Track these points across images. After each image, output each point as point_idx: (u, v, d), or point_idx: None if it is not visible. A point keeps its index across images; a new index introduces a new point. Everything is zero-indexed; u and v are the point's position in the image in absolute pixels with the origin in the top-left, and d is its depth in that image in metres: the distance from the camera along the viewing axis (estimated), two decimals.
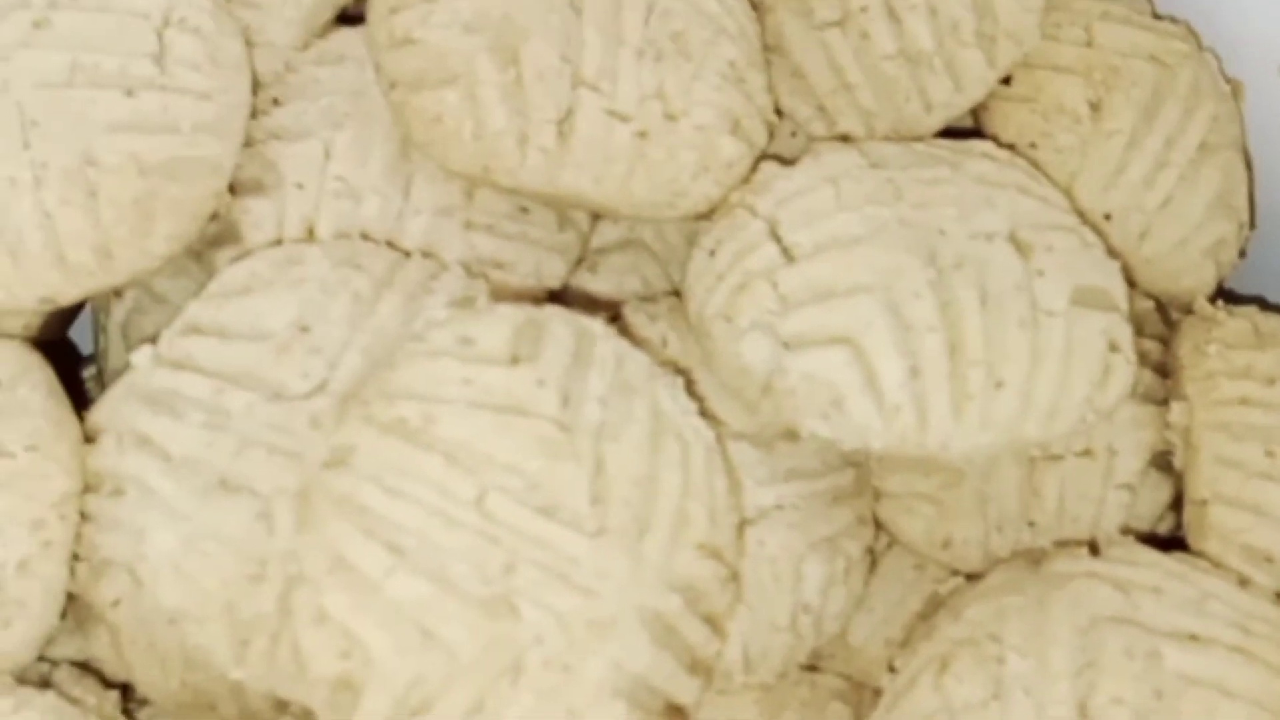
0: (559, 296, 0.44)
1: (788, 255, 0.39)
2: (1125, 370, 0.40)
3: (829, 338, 0.38)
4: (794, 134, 0.45)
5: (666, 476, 0.35)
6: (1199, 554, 0.41)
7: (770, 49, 0.44)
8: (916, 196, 0.40)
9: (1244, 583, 0.40)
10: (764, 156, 0.43)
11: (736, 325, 0.39)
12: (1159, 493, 0.43)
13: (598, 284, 0.45)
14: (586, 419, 0.34)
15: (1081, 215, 0.43)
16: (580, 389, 0.35)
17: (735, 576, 0.36)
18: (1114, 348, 0.40)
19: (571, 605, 0.33)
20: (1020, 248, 0.39)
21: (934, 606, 0.43)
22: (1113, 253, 0.42)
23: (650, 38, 0.40)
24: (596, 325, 0.36)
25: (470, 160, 0.40)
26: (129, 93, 0.41)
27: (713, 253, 0.41)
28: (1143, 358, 0.44)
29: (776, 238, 0.40)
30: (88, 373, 0.49)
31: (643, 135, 0.40)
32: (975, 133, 0.45)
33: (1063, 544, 0.41)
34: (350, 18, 0.46)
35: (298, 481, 0.35)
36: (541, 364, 0.35)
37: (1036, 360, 0.38)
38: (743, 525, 0.39)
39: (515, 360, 0.34)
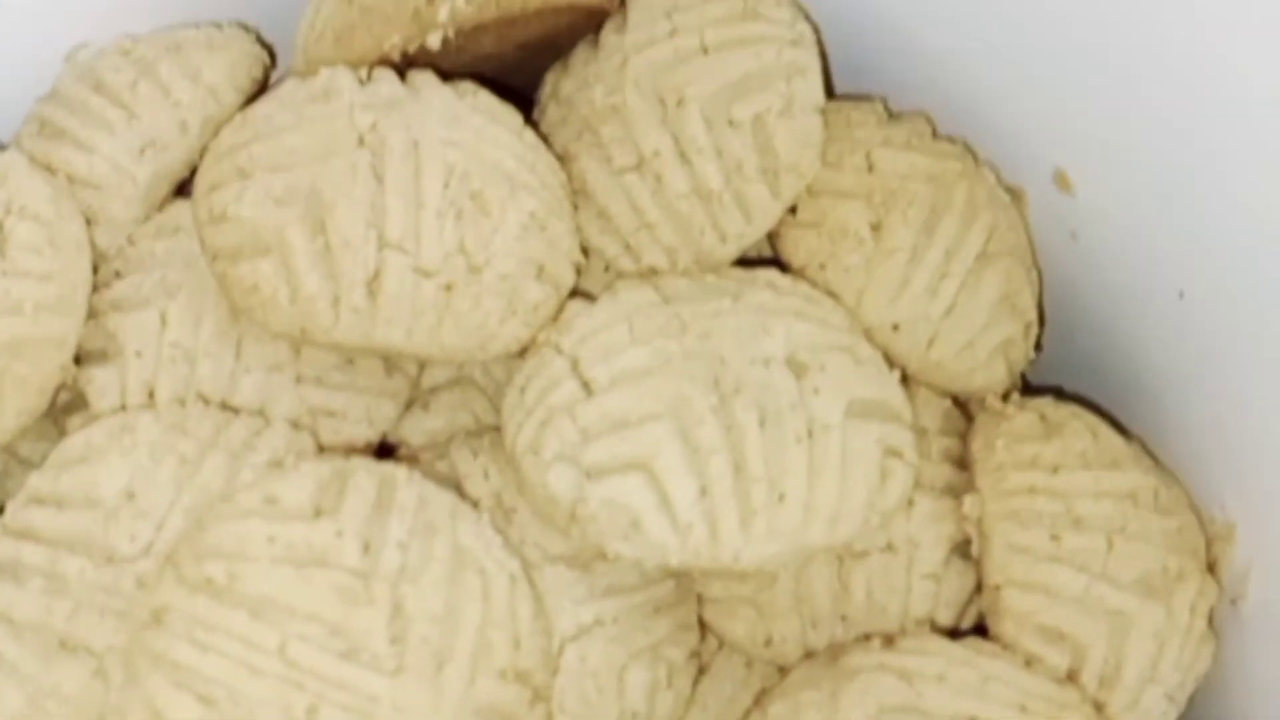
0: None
1: (587, 389, 0.43)
2: (904, 473, 0.43)
3: (625, 465, 0.41)
4: (606, 269, 0.49)
5: (467, 609, 0.38)
6: (997, 637, 0.44)
7: (576, 193, 0.48)
8: (700, 328, 0.43)
9: (1030, 663, 0.43)
10: (575, 293, 0.47)
11: (542, 458, 0.42)
12: (964, 579, 0.46)
13: (431, 421, 0.48)
14: (385, 564, 0.37)
15: (870, 329, 0.47)
16: (380, 535, 0.38)
17: (544, 695, 0.39)
18: (892, 453, 0.43)
19: None
20: (796, 369, 0.43)
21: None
22: (891, 364, 0.46)
23: (450, 199, 0.44)
24: (400, 472, 0.39)
25: (288, 323, 0.43)
26: None
27: (523, 390, 0.44)
28: (943, 454, 0.48)
29: (577, 373, 0.43)
30: None
31: (449, 288, 0.43)
32: (775, 261, 0.49)
33: (863, 638, 0.44)
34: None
35: (127, 639, 0.38)
36: (342, 515, 0.38)
37: (814, 472, 0.41)
38: (562, 643, 0.42)
39: (318, 513, 0.38)
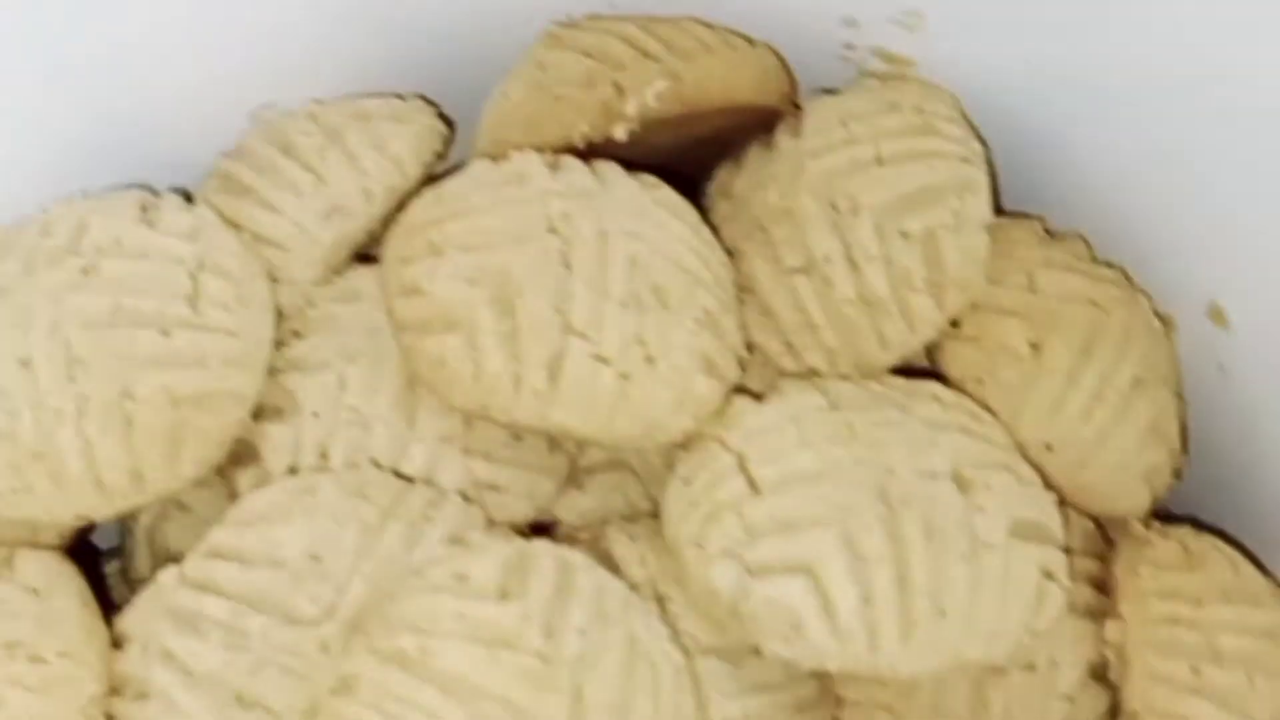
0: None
1: (754, 488, 0.44)
2: (1058, 595, 0.44)
3: (790, 567, 0.42)
4: (765, 364, 0.50)
5: (639, 702, 0.39)
6: None
7: (742, 290, 0.49)
8: (870, 437, 0.44)
9: None
10: (737, 389, 0.48)
11: (707, 552, 0.43)
12: (1098, 702, 0.47)
13: (585, 501, 0.49)
14: (567, 650, 0.38)
15: (1024, 446, 0.48)
16: (562, 620, 0.39)
17: None
18: (1048, 575, 0.44)
19: None
20: (962, 485, 0.44)
21: None
22: (1049, 486, 0.47)
23: (633, 290, 0.45)
24: (578, 558, 0.41)
25: (470, 399, 0.44)
26: (164, 332, 0.45)
27: (687, 482, 0.45)
28: (1083, 575, 0.49)
29: (745, 470, 0.44)
30: (110, 567, 0.53)
31: (625, 377, 0.44)
32: (930, 372, 0.50)
33: None
34: (367, 256, 0.51)
35: (307, 701, 0.39)
36: (528, 598, 0.39)
37: (976, 590, 0.42)
38: None
39: (504, 595, 0.39)
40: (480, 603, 0.38)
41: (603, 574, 0.41)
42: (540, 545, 0.40)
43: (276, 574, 0.41)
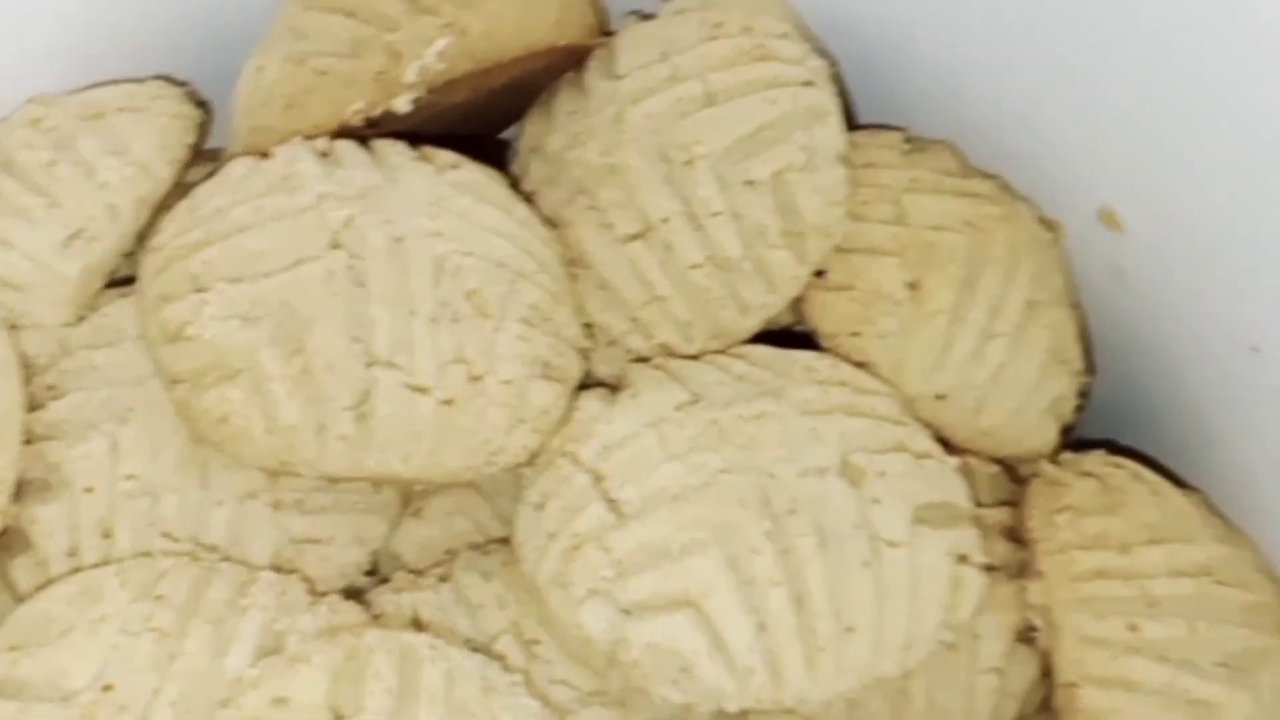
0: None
1: (617, 513, 0.38)
2: (976, 579, 0.39)
3: (670, 602, 0.37)
4: (610, 344, 0.43)
5: None
6: None
7: (574, 264, 0.42)
8: (742, 437, 0.38)
9: None
10: (583, 385, 0.41)
11: (573, 593, 0.37)
12: (1027, 667, 0.42)
13: (425, 530, 0.43)
14: None
15: (914, 400, 0.42)
16: None
17: None
18: (962, 559, 0.39)
19: None
20: (853, 478, 0.38)
21: None
22: (946, 440, 0.41)
23: (443, 300, 0.38)
24: (422, 644, 0.34)
25: (266, 456, 0.37)
26: None
27: (539, 508, 0.39)
28: (995, 528, 0.43)
29: (603, 493, 0.38)
30: None
31: (448, 403, 0.38)
32: (799, 334, 0.43)
33: None
34: (127, 279, 0.43)
35: None
36: (366, 714, 0.32)
37: (883, 598, 0.37)
38: None
39: (337, 715, 0.32)
40: None
41: (452, 655, 0.35)
42: (373, 638, 0.34)
43: (65, 712, 0.34)
